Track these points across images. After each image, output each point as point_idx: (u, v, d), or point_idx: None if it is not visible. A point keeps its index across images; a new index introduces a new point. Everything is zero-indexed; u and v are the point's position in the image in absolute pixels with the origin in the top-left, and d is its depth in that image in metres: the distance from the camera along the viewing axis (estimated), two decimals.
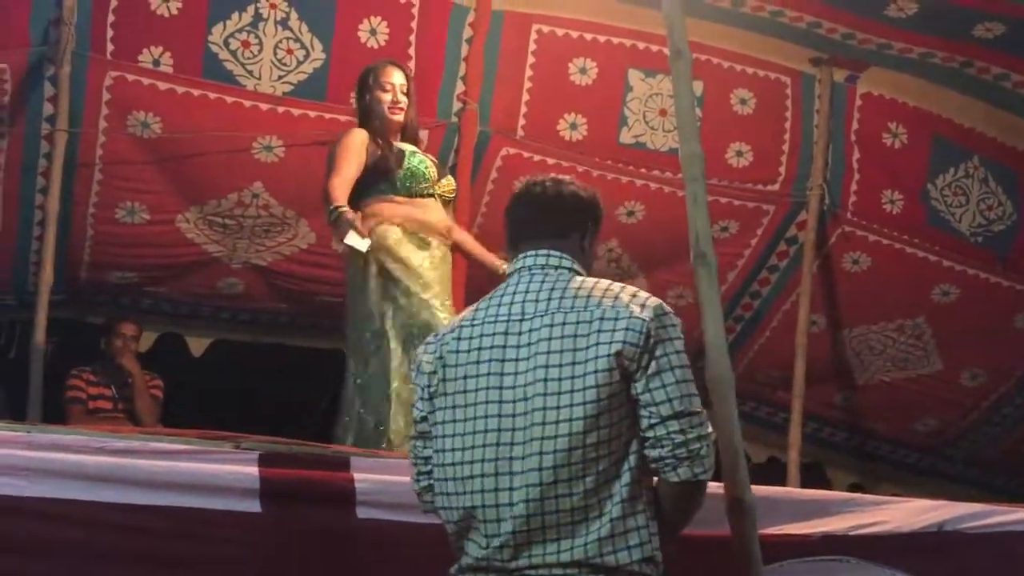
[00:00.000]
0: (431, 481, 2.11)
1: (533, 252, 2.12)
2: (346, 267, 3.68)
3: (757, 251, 5.18)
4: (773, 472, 5.15)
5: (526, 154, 4.87)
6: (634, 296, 2.03)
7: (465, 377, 2.04)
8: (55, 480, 2.23)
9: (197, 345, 5.32)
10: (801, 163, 5.02)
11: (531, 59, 4.76)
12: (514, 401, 1.99)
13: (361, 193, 3.59)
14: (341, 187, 3.50)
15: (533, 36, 4.75)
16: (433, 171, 3.67)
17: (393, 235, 3.52)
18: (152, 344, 5.16)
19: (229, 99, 4.50)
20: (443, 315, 3.44)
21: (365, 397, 3.48)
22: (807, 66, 4.93)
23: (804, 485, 4.97)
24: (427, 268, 3.54)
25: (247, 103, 4.52)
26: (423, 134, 4.68)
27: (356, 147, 3.59)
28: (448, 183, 3.77)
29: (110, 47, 4.35)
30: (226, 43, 4.44)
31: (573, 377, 1.96)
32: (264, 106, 4.54)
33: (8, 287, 4.92)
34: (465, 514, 2.02)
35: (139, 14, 4.32)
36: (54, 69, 4.29)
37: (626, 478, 1.96)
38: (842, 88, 4.96)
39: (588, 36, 4.77)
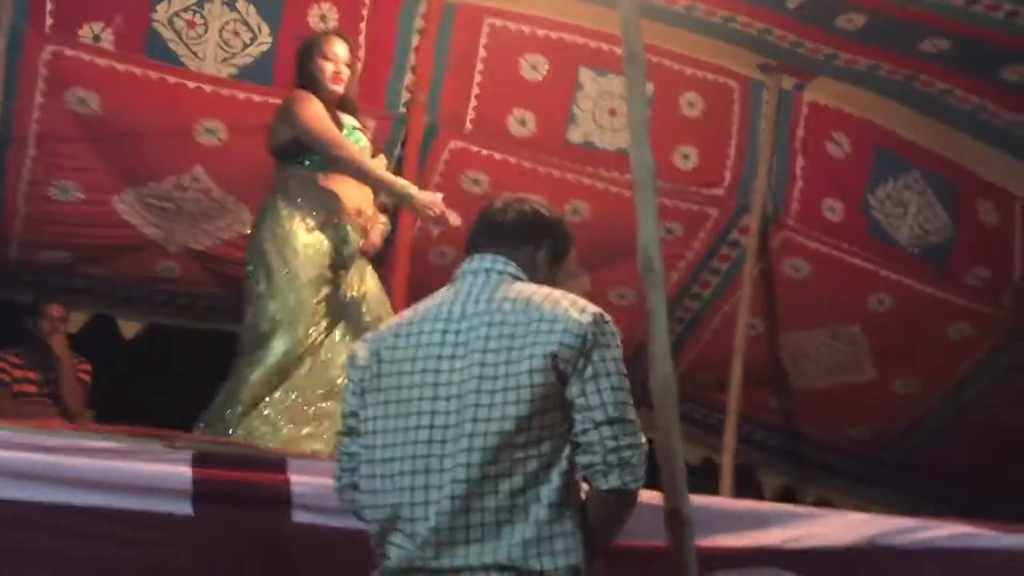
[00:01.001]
0: (355, 479, 2.09)
1: (479, 256, 2.14)
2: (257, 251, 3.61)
3: (699, 254, 5.21)
4: (707, 474, 5.20)
5: (474, 148, 4.83)
6: (574, 302, 2.05)
7: (399, 373, 2.04)
8: None
9: (129, 328, 5.20)
10: (746, 168, 5.04)
11: (482, 53, 4.72)
12: (447, 398, 1.99)
13: (284, 158, 3.59)
14: (356, 151, 3.51)
15: (485, 30, 4.70)
16: (367, 148, 3.69)
17: (294, 224, 3.50)
18: (82, 326, 5.04)
19: (172, 79, 4.39)
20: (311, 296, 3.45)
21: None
22: (756, 72, 4.96)
23: (736, 488, 5.05)
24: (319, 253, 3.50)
25: (191, 84, 4.41)
26: (369, 123, 4.64)
27: (321, 107, 3.58)
28: (379, 162, 3.75)
29: (49, 20, 4.21)
30: (170, 22, 4.33)
31: (507, 375, 1.97)
32: (208, 88, 4.43)
33: None
34: (391, 512, 2.00)
35: None
36: None
37: (556, 482, 1.96)
38: (789, 96, 5.00)
39: (541, 32, 4.74)
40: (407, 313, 2.15)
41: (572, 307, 2.02)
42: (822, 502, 5.79)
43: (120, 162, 4.58)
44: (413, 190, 3.59)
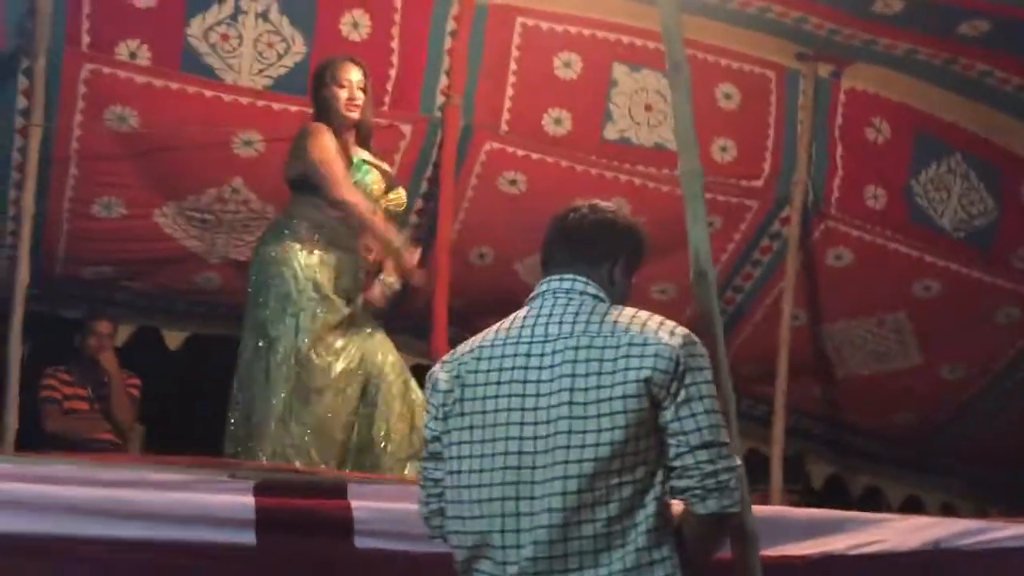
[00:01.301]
0: (441, 504, 2.07)
1: (558, 276, 2.10)
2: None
3: (740, 246, 5.17)
4: (754, 465, 5.17)
5: (510, 149, 4.81)
6: (662, 324, 2.01)
7: (484, 398, 2.01)
8: (48, 514, 2.17)
9: (173, 339, 5.24)
10: (785, 158, 5.00)
11: (515, 53, 4.69)
12: (535, 423, 1.96)
13: (298, 189, 3.60)
14: (361, 199, 3.51)
15: (517, 30, 4.67)
16: (379, 187, 3.64)
17: (309, 258, 3.50)
18: (127, 338, 5.08)
19: (208, 93, 4.40)
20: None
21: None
22: (792, 61, 4.90)
23: (784, 478, 5.02)
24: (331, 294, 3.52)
25: (227, 97, 4.42)
26: (406, 129, 4.64)
27: (334, 144, 3.58)
28: (396, 196, 3.73)
29: (86, 39, 4.22)
30: (205, 36, 4.33)
31: (599, 401, 1.94)
32: (244, 100, 4.44)
33: None
34: (480, 539, 1.98)
35: (116, 6, 4.20)
36: (28, 62, 4.17)
37: (652, 508, 1.93)
38: (826, 83, 4.94)
39: (573, 30, 4.71)
40: (486, 334, 2.11)
41: (662, 329, 1.99)
42: (870, 490, 5.77)
43: (160, 177, 4.61)
44: (401, 248, 3.55)
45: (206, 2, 4.29)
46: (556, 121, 4.79)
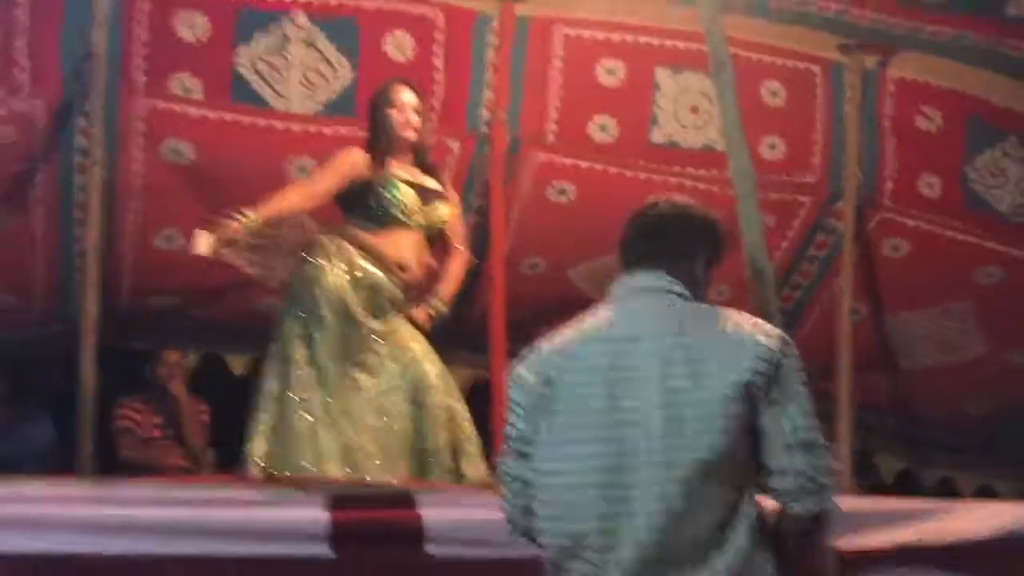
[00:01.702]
0: (527, 503, 2.07)
1: (643, 274, 2.08)
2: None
3: (795, 243, 5.14)
4: None
5: (558, 159, 4.84)
6: (756, 324, 2.01)
7: (576, 397, 1.99)
8: (127, 535, 2.24)
9: (238, 363, 5.33)
10: (835, 152, 4.96)
11: (558, 63, 4.72)
12: (630, 424, 1.94)
13: (344, 211, 3.70)
14: (294, 195, 3.69)
15: (559, 40, 4.70)
16: (411, 199, 3.66)
17: (337, 278, 3.58)
18: (194, 365, 5.18)
19: (261, 122, 4.48)
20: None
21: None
22: (836, 54, 4.87)
23: (853, 474, 4.96)
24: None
25: (279, 125, 4.50)
26: (454, 145, 4.69)
27: (340, 165, 3.69)
28: (433, 210, 3.74)
29: (141, 78, 4.35)
30: (254, 65, 4.43)
31: (699, 403, 1.92)
32: (296, 127, 4.52)
33: (51, 319, 4.95)
34: (575, 539, 1.97)
35: (167, 41, 4.32)
36: (87, 103, 4.29)
37: (751, 510, 1.93)
38: (872, 74, 4.90)
39: (615, 37, 4.72)
40: (569, 332, 2.09)
41: (757, 330, 1.98)
42: (943, 482, 5.68)
43: (219, 206, 4.68)
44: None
45: (252, 32, 4.38)
46: (602, 128, 4.81)
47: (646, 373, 1.96)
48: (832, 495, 1.96)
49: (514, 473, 2.10)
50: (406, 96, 3.75)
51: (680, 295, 2.06)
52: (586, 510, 1.95)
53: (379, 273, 3.62)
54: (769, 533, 1.95)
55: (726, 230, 2.19)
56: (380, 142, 3.73)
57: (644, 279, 2.07)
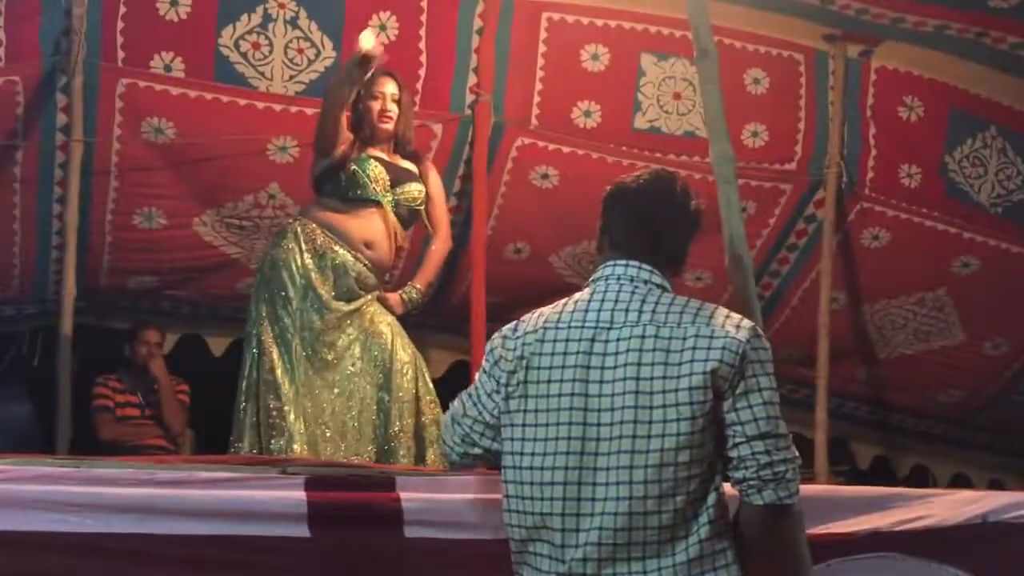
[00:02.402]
0: (470, 447, 2.17)
1: (623, 262, 2.09)
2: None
3: (775, 231, 5.16)
4: (798, 449, 5.15)
5: (541, 143, 4.84)
6: (728, 316, 2.03)
7: (549, 381, 2.02)
8: (105, 514, 2.24)
9: (217, 345, 5.32)
10: (817, 141, 4.98)
11: (542, 48, 4.72)
12: (600, 410, 1.97)
13: (318, 192, 3.70)
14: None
15: (544, 24, 4.70)
16: (380, 175, 3.63)
17: (305, 260, 3.56)
18: (173, 346, 5.17)
19: (242, 101, 4.47)
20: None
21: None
22: (820, 43, 4.89)
23: (829, 461, 5.01)
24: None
25: (260, 105, 4.49)
26: (436, 128, 4.69)
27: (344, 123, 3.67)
28: (406, 189, 3.71)
29: (121, 54, 4.31)
30: (236, 45, 4.40)
31: (665, 392, 1.95)
32: (277, 107, 4.51)
33: (29, 296, 4.93)
34: (539, 521, 2.00)
35: (148, 20, 4.29)
36: (66, 79, 4.26)
37: (712, 499, 1.96)
38: (856, 64, 4.92)
39: (599, 22, 4.72)
40: (548, 314, 2.10)
41: (728, 322, 2.00)
42: (918, 469, 5.74)
43: (198, 186, 4.69)
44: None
45: (236, 12, 4.36)
46: (586, 113, 4.81)
47: (618, 361, 1.98)
48: (795, 487, 1.98)
49: (471, 415, 2.16)
50: (388, 88, 3.72)
51: (659, 286, 2.08)
52: (551, 492, 1.98)
53: (346, 253, 3.59)
54: (732, 525, 1.99)
55: (700, 204, 2.20)
56: (362, 130, 3.71)
57: (623, 267, 2.08)
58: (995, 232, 5.06)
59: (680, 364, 1.95)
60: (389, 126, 3.70)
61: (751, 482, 1.95)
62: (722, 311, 2.04)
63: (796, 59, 4.92)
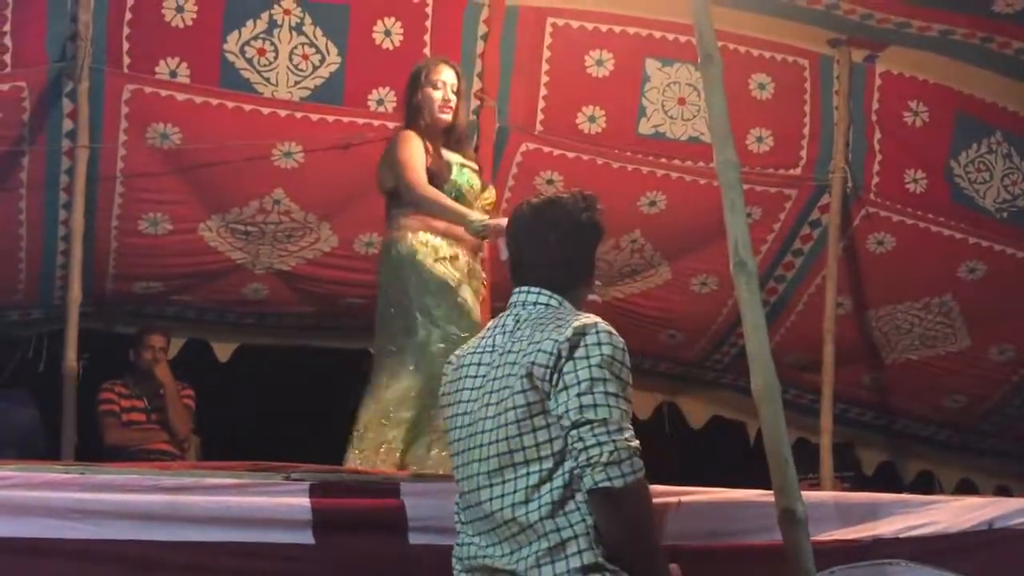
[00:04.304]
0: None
1: (526, 290, 2.20)
2: (381, 275, 3.60)
3: (781, 236, 5.16)
4: (804, 454, 5.15)
5: (546, 149, 4.84)
6: (568, 321, 2.09)
7: (453, 403, 2.20)
8: (111, 521, 2.24)
9: (223, 350, 5.33)
10: (822, 146, 4.98)
11: (547, 53, 4.72)
12: (467, 425, 2.14)
13: (400, 200, 3.52)
14: (433, 190, 3.45)
15: (548, 30, 4.70)
16: (476, 185, 3.59)
17: (427, 253, 3.46)
18: (178, 351, 5.18)
19: (247, 107, 4.48)
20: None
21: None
22: (825, 48, 4.89)
23: (835, 466, 5.00)
24: (461, 291, 3.47)
25: (265, 110, 4.49)
26: None
27: (419, 148, 3.50)
28: (489, 195, 3.68)
29: (126, 60, 4.32)
30: (242, 51, 4.41)
31: (504, 399, 2.08)
32: (282, 112, 4.51)
33: (35, 301, 4.94)
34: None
35: (154, 26, 4.30)
36: (72, 85, 4.27)
37: (558, 494, 2.02)
38: (861, 69, 4.91)
39: (603, 27, 4.73)
40: (473, 340, 2.29)
41: (562, 326, 2.08)
42: (923, 475, 5.72)
43: (204, 191, 4.69)
44: (487, 220, 3.44)
45: (241, 18, 4.37)
46: (590, 119, 4.82)
47: (485, 382, 2.14)
48: (615, 471, 1.97)
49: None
50: (446, 75, 3.58)
51: (556, 305, 2.17)
52: (466, 502, 2.16)
53: (459, 253, 3.50)
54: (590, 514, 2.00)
55: (593, 209, 2.24)
56: (416, 124, 3.55)
57: (526, 294, 2.20)
58: (1001, 237, 5.04)
59: (510, 375, 2.08)
60: (448, 116, 3.57)
61: (575, 471, 2.01)
62: (571, 319, 2.10)
63: (801, 64, 4.92)
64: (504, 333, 2.16)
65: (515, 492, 2.03)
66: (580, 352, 2.04)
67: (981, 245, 5.05)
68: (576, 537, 1.99)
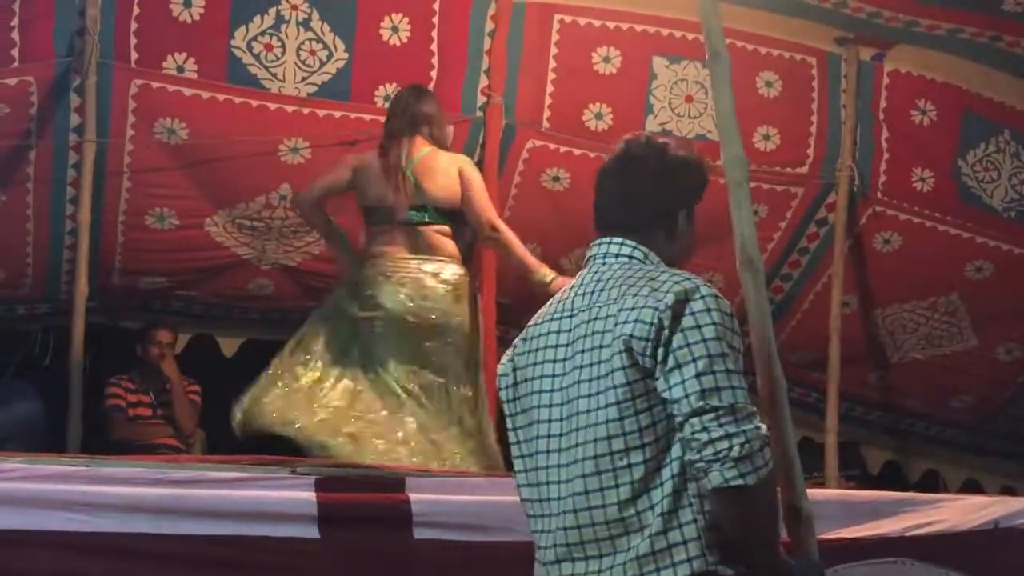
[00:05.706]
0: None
1: (607, 240, 1.96)
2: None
3: (787, 234, 5.15)
4: (809, 452, 5.14)
5: (552, 146, 4.84)
6: (664, 282, 1.83)
7: (528, 380, 1.94)
8: (116, 514, 2.25)
9: (229, 346, 5.34)
10: (829, 144, 4.97)
11: (554, 50, 4.72)
12: (556, 404, 1.88)
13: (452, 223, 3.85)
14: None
15: (555, 27, 4.70)
16: None
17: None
18: (184, 346, 5.18)
19: (254, 103, 4.48)
20: None
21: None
22: (833, 46, 4.88)
23: (840, 465, 4.99)
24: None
25: (272, 106, 4.50)
26: (448, 130, 4.67)
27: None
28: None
29: (134, 55, 4.33)
30: (249, 47, 4.41)
31: (599, 377, 1.82)
32: (289, 108, 4.52)
33: (41, 295, 4.95)
34: (532, 524, 1.95)
35: (162, 21, 4.30)
36: (80, 79, 4.28)
37: (668, 487, 1.78)
38: (869, 67, 4.90)
39: (611, 24, 4.72)
40: (541, 310, 2.01)
41: (659, 288, 1.81)
42: (929, 475, 5.71)
43: (210, 186, 4.70)
44: (551, 278, 3.70)
45: (249, 13, 4.37)
46: (597, 116, 4.81)
47: (569, 351, 1.89)
48: (747, 466, 1.73)
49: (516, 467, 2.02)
50: None
51: (636, 259, 1.93)
52: (534, 494, 1.93)
53: None
54: (698, 514, 1.79)
55: (703, 168, 2.06)
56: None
57: (596, 245, 1.97)
58: (1008, 236, 5.03)
59: (602, 347, 1.82)
60: None
61: (697, 465, 1.75)
62: (665, 278, 1.84)
63: (808, 62, 4.91)
64: (584, 295, 1.88)
65: (618, 487, 1.78)
66: (688, 322, 1.77)
67: (988, 244, 5.04)
68: (686, 543, 1.76)
